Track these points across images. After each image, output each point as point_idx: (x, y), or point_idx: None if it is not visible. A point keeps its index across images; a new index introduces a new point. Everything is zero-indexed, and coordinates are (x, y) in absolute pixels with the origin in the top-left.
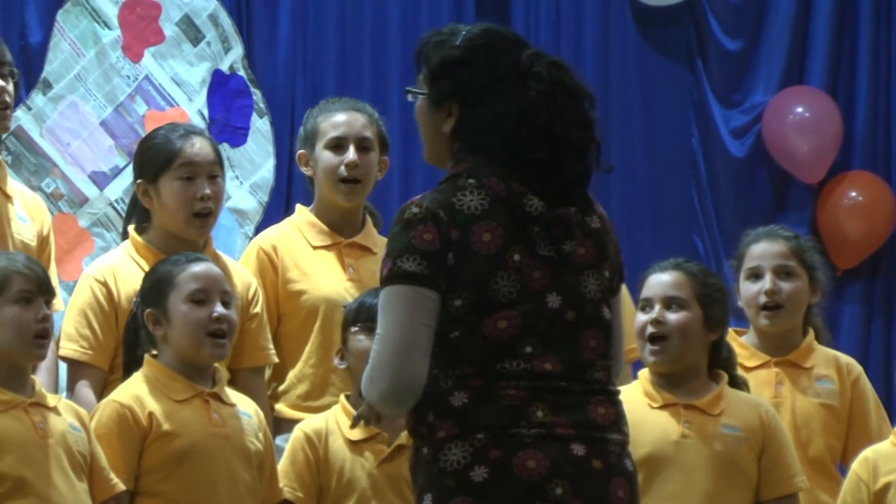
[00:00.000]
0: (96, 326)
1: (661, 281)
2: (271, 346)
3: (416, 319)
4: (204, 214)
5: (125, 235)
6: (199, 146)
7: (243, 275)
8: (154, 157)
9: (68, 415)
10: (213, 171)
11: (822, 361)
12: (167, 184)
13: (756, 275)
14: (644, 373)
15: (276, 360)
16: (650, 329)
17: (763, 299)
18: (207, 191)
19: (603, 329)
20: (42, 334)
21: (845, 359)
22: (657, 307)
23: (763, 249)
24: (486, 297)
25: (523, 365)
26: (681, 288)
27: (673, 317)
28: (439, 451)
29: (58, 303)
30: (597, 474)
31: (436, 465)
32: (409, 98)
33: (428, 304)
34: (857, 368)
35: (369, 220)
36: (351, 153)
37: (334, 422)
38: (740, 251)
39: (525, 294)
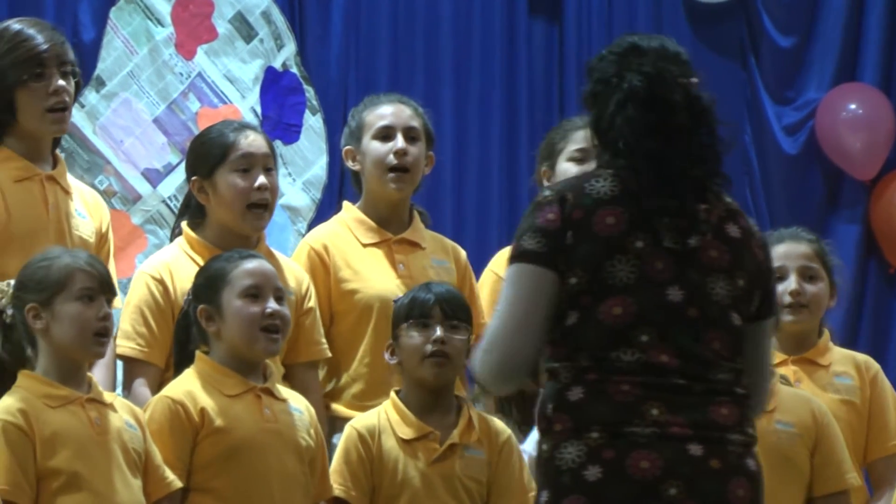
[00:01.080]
0: (152, 324)
1: (792, 251)
2: (325, 340)
3: (534, 299)
4: (260, 206)
5: (175, 233)
6: (253, 138)
7: (296, 271)
8: (209, 152)
9: (124, 412)
10: (268, 163)
11: (839, 359)
12: (223, 177)
13: (781, 276)
14: None
15: (330, 354)
16: (787, 299)
17: (788, 299)
18: (263, 180)
19: (730, 334)
20: (102, 332)
21: (862, 357)
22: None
23: (787, 250)
24: (601, 279)
25: (637, 355)
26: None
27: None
28: (555, 449)
29: (116, 300)
30: (715, 474)
31: (552, 462)
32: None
33: (544, 283)
34: (875, 366)
35: (417, 216)
36: (399, 141)
37: (386, 419)
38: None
39: (644, 282)
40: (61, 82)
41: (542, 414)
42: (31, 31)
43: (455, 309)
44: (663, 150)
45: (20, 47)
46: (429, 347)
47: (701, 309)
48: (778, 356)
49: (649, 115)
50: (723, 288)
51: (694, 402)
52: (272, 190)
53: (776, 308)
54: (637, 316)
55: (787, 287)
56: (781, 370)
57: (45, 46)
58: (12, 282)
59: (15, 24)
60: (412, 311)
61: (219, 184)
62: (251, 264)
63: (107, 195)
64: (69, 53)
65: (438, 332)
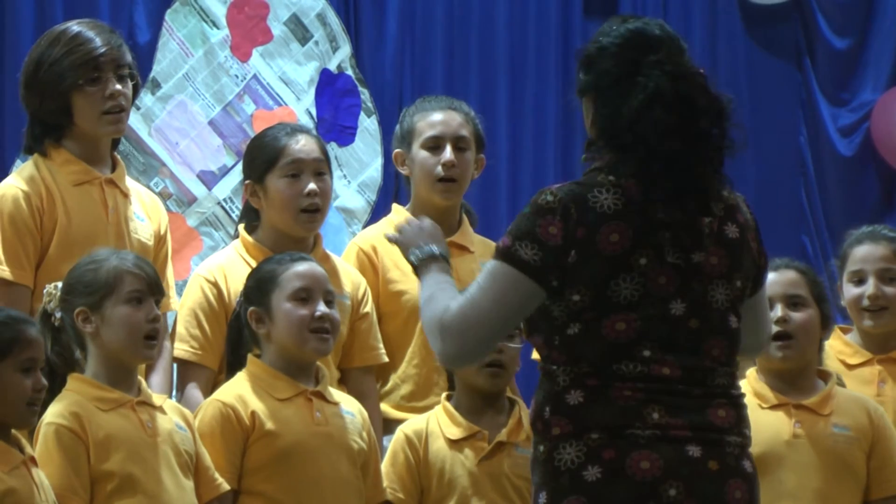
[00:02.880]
0: (206, 326)
1: (780, 280)
2: (381, 345)
3: (510, 304)
4: (311, 210)
5: (236, 235)
6: (303, 143)
7: (353, 275)
8: (260, 157)
9: (174, 414)
10: (319, 168)
11: None
12: (273, 182)
13: (860, 279)
14: (753, 372)
15: (387, 359)
16: (775, 328)
17: (866, 303)
18: (313, 186)
19: (728, 338)
20: (152, 335)
21: None
22: (779, 306)
23: (866, 252)
24: (606, 297)
25: (640, 368)
26: (800, 286)
27: (797, 316)
28: (554, 450)
29: (173, 302)
30: (713, 475)
31: (550, 463)
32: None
33: (527, 295)
34: None
35: (465, 220)
36: (448, 153)
37: (435, 423)
38: (843, 251)
39: (648, 298)
40: (118, 86)
41: (539, 416)
42: (90, 35)
43: None
44: (686, 154)
45: (77, 50)
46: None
47: (701, 319)
48: (863, 355)
49: (673, 117)
50: (722, 293)
51: (693, 405)
52: (324, 194)
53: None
54: (640, 332)
55: (865, 290)
56: (866, 370)
57: (102, 50)
58: (60, 284)
59: (74, 27)
60: None
61: (269, 188)
62: (301, 267)
63: (162, 197)
64: (126, 56)
65: None
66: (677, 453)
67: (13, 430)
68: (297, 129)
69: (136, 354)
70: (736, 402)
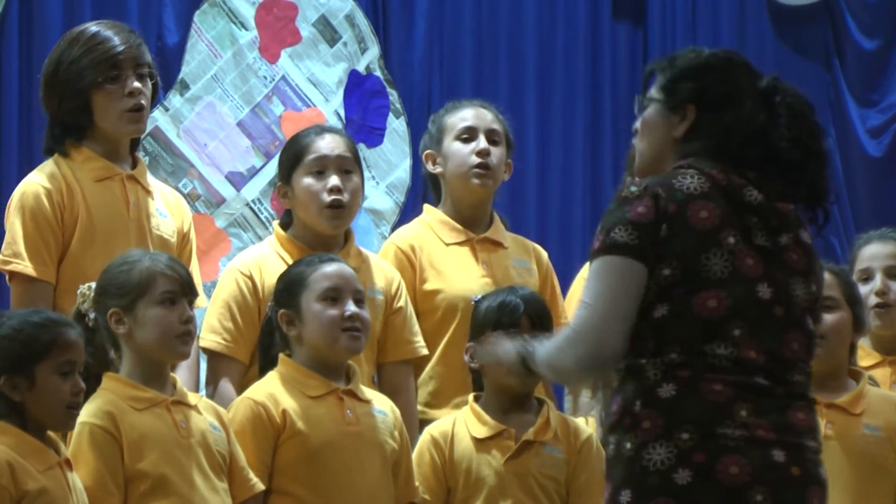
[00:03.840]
0: (239, 319)
1: None
2: (418, 338)
3: (623, 290)
4: (336, 207)
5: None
6: (328, 140)
7: (386, 270)
8: (286, 157)
9: (209, 414)
10: (344, 165)
11: None
12: (298, 180)
13: (867, 277)
14: None
15: (425, 352)
16: None
17: (874, 300)
18: (336, 181)
19: (806, 336)
20: (186, 335)
21: None
22: None
23: (873, 251)
24: (696, 272)
25: (731, 349)
26: (832, 288)
27: (828, 317)
28: (643, 449)
29: (200, 300)
30: (795, 482)
31: (638, 462)
32: (637, 109)
33: (635, 276)
34: None
35: (497, 217)
36: (482, 142)
37: (462, 423)
38: (853, 255)
39: (737, 277)
40: (137, 84)
41: (628, 411)
42: (108, 34)
43: (540, 316)
44: (819, 167)
45: (96, 49)
46: None
47: (785, 308)
48: (874, 357)
49: (803, 136)
50: (801, 290)
51: (775, 406)
52: (350, 192)
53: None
54: (731, 309)
55: (872, 287)
56: (878, 371)
57: (120, 48)
58: (93, 284)
59: (92, 27)
60: (501, 319)
61: (296, 187)
62: (330, 267)
63: (191, 198)
64: (146, 55)
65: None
66: (764, 458)
67: (49, 432)
68: (327, 129)
69: (171, 354)
70: (811, 407)
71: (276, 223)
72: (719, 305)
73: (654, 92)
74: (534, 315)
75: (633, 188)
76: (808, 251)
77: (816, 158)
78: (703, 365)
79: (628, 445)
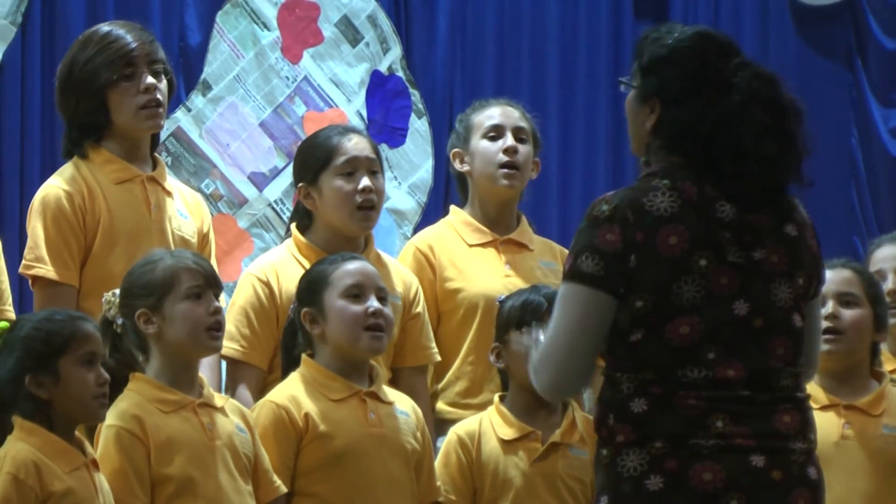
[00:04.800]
0: (257, 325)
1: (834, 278)
2: (434, 345)
3: (586, 323)
4: (366, 208)
5: (288, 236)
6: (356, 141)
7: (405, 275)
8: (313, 157)
9: (235, 416)
10: (373, 166)
11: None
12: (327, 181)
13: (881, 278)
14: None
15: (439, 358)
16: (825, 324)
17: (888, 300)
18: (367, 182)
19: (792, 337)
20: (215, 327)
21: None
22: (830, 302)
23: (886, 253)
24: (668, 301)
25: (705, 372)
26: (853, 285)
27: (848, 313)
28: (617, 455)
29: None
30: (776, 486)
31: (614, 468)
32: (622, 88)
33: (598, 307)
34: None
35: (524, 219)
36: (509, 139)
37: (488, 423)
38: (866, 257)
39: (710, 300)
40: (151, 80)
41: (603, 423)
42: (120, 32)
43: None
44: (780, 155)
45: (109, 48)
46: None
47: (765, 318)
48: (893, 362)
49: (768, 118)
50: (784, 291)
51: (758, 413)
52: (378, 192)
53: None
54: (704, 334)
55: (885, 288)
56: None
57: (133, 45)
58: (117, 291)
59: (104, 27)
60: (524, 317)
61: (324, 188)
62: (353, 265)
63: (213, 199)
64: (159, 52)
65: None
66: (740, 464)
67: (76, 433)
68: (349, 129)
69: (203, 347)
70: (801, 406)
71: (293, 227)
72: (692, 331)
73: (630, 76)
74: None
75: (605, 207)
76: (792, 246)
77: (773, 150)
78: (677, 384)
79: (605, 452)
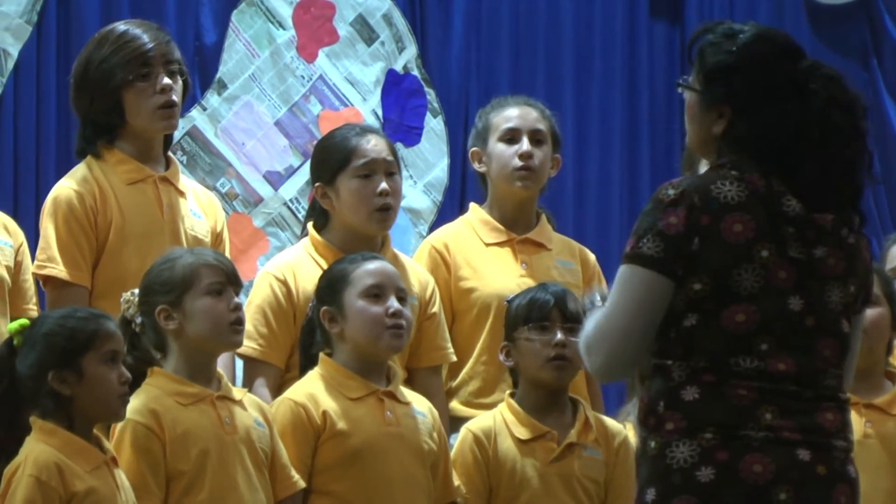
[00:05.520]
0: (274, 324)
1: None
2: (449, 345)
3: (643, 305)
4: (384, 210)
5: (303, 235)
6: (374, 142)
7: (421, 274)
8: (330, 158)
9: (253, 409)
10: (390, 167)
11: None
12: (345, 182)
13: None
14: None
15: (454, 358)
16: None
17: None
18: (385, 185)
19: (839, 340)
20: (237, 322)
21: None
22: None
23: None
24: (727, 287)
25: (757, 363)
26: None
27: (867, 312)
28: (667, 447)
29: None
30: (821, 480)
31: (662, 460)
32: (680, 91)
33: (659, 291)
34: None
35: (543, 218)
36: (525, 144)
37: (502, 421)
38: (881, 256)
39: (767, 291)
40: (167, 80)
41: (652, 411)
42: (137, 32)
43: (573, 311)
44: (858, 157)
45: (125, 48)
46: (549, 351)
47: (817, 317)
48: None
49: (846, 120)
50: (837, 295)
51: (803, 408)
52: (395, 193)
53: (871, 294)
54: (759, 324)
55: None
56: None
57: (150, 46)
58: (136, 291)
59: (120, 26)
60: (531, 314)
61: (341, 189)
62: (373, 265)
63: (228, 198)
64: (175, 52)
65: (559, 335)
66: (788, 457)
67: (94, 430)
68: (367, 130)
69: (224, 342)
70: (842, 406)
71: (310, 226)
72: (747, 320)
73: (691, 79)
74: (565, 310)
75: (671, 190)
76: (849, 252)
77: (854, 151)
78: (729, 373)
79: (653, 444)
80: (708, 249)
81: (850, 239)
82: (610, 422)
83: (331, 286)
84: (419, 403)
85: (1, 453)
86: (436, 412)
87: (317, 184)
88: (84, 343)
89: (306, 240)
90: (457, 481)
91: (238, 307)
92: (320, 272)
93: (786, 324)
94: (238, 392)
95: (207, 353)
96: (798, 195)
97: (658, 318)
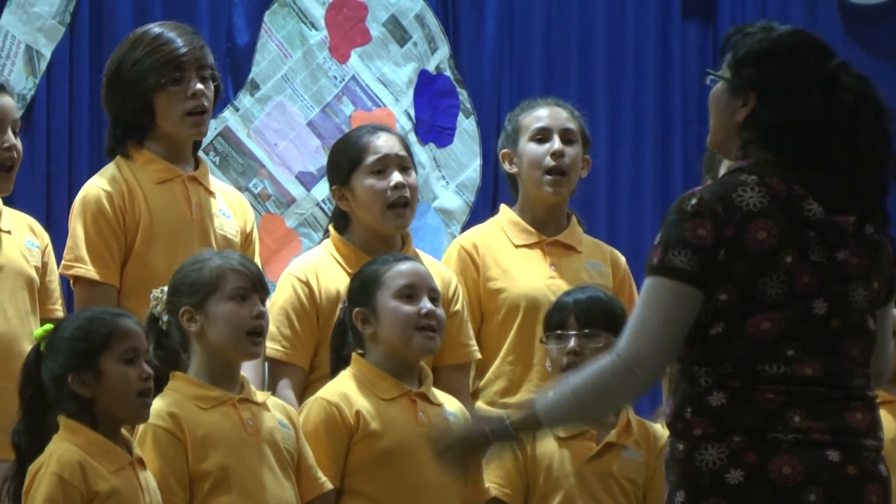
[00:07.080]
0: (297, 326)
1: None
2: (473, 342)
3: (674, 318)
4: (400, 205)
5: (327, 236)
6: (385, 139)
7: (443, 272)
8: (343, 159)
9: (277, 412)
10: (403, 163)
11: None
12: (359, 181)
13: None
14: None
15: (479, 356)
16: None
17: None
18: (399, 178)
19: (866, 339)
20: (257, 331)
21: None
22: None
23: None
24: (752, 296)
25: (784, 369)
26: None
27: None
28: (695, 450)
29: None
30: (851, 480)
31: (691, 463)
32: (708, 81)
33: (689, 303)
34: None
35: (574, 220)
36: (556, 143)
37: None
38: None
39: (792, 297)
40: (199, 86)
41: (680, 416)
42: (171, 35)
43: (591, 316)
44: (885, 156)
45: (159, 51)
46: (564, 359)
47: (843, 319)
48: None
49: (875, 118)
50: (861, 294)
51: (832, 408)
52: (411, 188)
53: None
54: (784, 331)
55: None
56: None
57: (184, 50)
58: (166, 288)
59: (155, 28)
60: (550, 320)
61: (356, 188)
62: (405, 265)
63: (261, 198)
64: (208, 58)
65: (572, 342)
66: (818, 458)
67: (123, 431)
68: (378, 128)
69: (242, 351)
70: (871, 405)
71: (331, 227)
72: (773, 327)
73: (723, 68)
74: (582, 318)
75: (693, 201)
76: (872, 248)
77: (882, 148)
78: (756, 378)
79: (681, 447)
80: (733, 260)
81: (871, 234)
82: (652, 425)
83: (363, 287)
84: (450, 404)
85: (30, 457)
86: (466, 413)
87: (333, 186)
88: (100, 343)
89: (328, 241)
90: (486, 482)
91: (261, 315)
92: (342, 273)
93: (811, 328)
94: (261, 395)
95: (226, 358)
96: (819, 198)
97: (687, 330)
